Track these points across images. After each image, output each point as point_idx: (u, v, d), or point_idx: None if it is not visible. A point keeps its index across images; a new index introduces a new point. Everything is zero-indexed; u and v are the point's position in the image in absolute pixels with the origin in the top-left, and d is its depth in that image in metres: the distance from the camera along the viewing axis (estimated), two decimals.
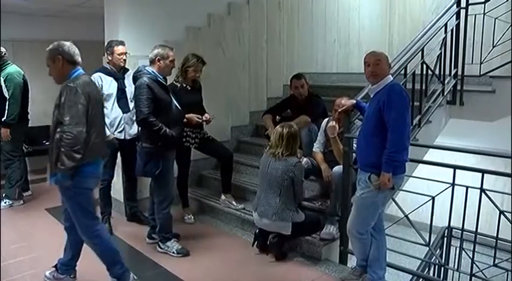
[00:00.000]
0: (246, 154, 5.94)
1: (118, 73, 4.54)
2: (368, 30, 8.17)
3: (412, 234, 3.77)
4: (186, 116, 4.47)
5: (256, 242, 4.17)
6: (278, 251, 4.06)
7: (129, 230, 4.73)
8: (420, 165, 4.32)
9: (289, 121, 4.45)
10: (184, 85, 4.66)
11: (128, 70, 4.60)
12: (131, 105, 4.49)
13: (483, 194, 3.42)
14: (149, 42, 4.50)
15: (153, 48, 3.99)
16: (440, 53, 4.96)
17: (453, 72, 5.30)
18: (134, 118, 4.14)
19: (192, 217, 4.98)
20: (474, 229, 3.63)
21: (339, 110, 3.81)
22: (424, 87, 4.68)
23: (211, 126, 4.95)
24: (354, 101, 3.77)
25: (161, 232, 4.17)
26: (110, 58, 4.53)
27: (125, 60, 4.53)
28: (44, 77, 3.53)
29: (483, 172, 3.32)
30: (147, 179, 4.46)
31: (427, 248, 3.89)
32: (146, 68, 3.93)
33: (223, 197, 4.98)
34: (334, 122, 4.11)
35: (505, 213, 3.50)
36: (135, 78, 3.95)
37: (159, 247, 4.20)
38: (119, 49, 4.49)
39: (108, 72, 4.50)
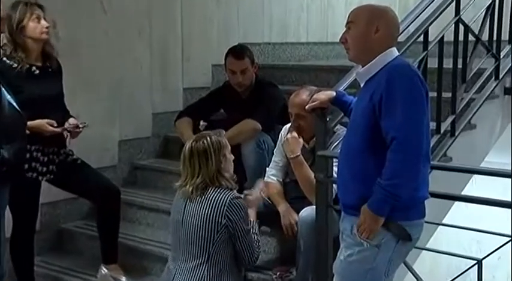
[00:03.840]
0: (146, 190, 5.95)
1: None
2: None
3: None
4: (31, 124, 4.28)
5: None
6: None
7: None
8: (458, 203, 4.53)
9: (226, 129, 4.48)
10: (28, 66, 4.46)
11: None
12: None
13: None
14: None
15: None
16: (492, 3, 5.04)
17: None
18: None
19: None
20: None
21: (307, 107, 3.85)
22: (461, 66, 4.82)
23: (82, 142, 4.85)
24: (334, 93, 3.78)
25: None
26: None
27: None
28: None
29: None
30: None
31: None
32: None
33: (104, 270, 4.84)
34: (294, 133, 4.18)
35: None
36: None
37: None
38: None
39: None
